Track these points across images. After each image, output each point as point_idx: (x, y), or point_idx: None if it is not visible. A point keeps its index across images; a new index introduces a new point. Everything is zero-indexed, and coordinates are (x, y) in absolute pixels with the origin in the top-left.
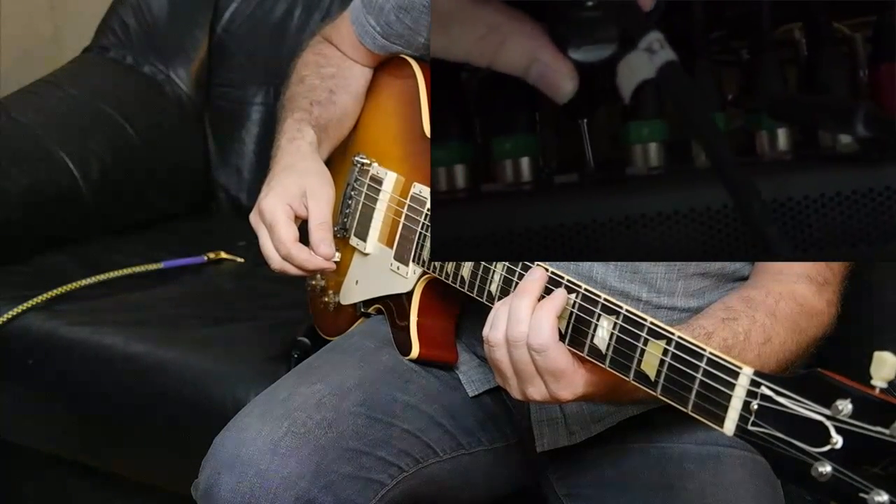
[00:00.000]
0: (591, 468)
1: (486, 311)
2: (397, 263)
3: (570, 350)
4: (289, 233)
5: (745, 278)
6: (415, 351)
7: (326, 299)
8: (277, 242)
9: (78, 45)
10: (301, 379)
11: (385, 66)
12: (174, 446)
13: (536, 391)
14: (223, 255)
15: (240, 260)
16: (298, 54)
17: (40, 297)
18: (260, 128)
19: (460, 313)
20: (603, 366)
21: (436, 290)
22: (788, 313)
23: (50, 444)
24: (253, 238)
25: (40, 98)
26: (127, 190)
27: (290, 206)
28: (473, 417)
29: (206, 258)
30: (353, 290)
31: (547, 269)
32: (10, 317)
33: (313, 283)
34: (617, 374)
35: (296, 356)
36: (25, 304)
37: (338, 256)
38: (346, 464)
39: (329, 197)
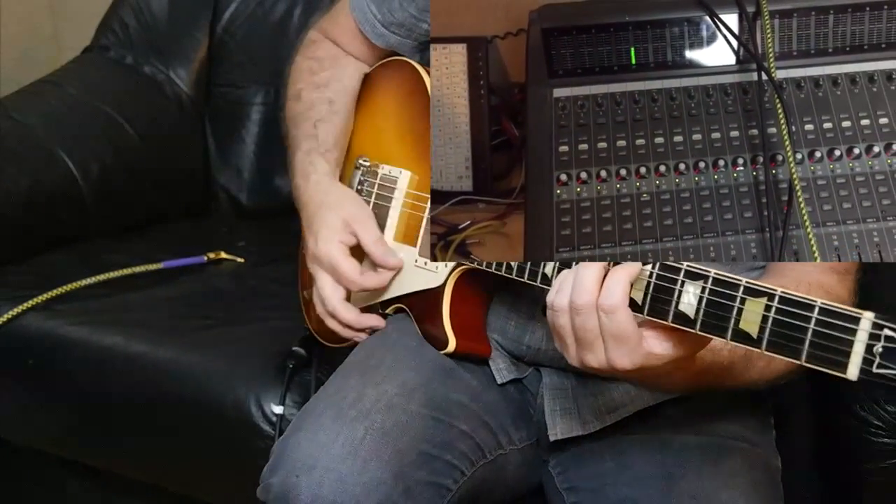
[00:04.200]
0: (591, 461)
1: (505, 303)
2: (423, 259)
3: (650, 321)
4: (352, 268)
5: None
6: (451, 344)
7: None
8: (345, 281)
9: (78, 45)
10: (365, 379)
11: (382, 68)
12: (174, 446)
13: (594, 357)
14: (223, 255)
15: (240, 260)
16: (292, 58)
17: (40, 297)
18: (260, 128)
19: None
20: (693, 331)
21: (466, 281)
22: None
23: (50, 444)
24: (253, 238)
25: (40, 98)
26: (127, 190)
27: (342, 242)
28: (507, 414)
29: (206, 258)
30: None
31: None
32: (10, 317)
33: (311, 289)
34: (708, 336)
35: (291, 366)
36: (25, 304)
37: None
38: (421, 468)
39: (369, 215)
